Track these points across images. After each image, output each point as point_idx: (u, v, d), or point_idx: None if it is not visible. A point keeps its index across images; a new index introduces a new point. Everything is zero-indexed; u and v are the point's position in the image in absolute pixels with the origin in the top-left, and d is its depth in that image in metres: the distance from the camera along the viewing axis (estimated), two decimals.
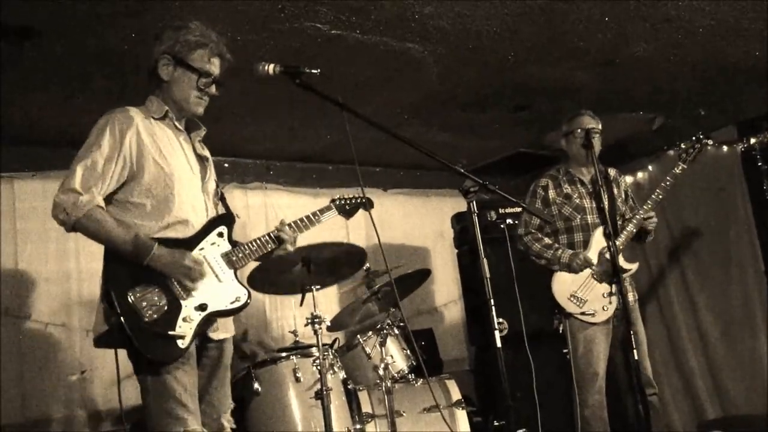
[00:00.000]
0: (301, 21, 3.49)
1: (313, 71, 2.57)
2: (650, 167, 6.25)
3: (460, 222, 5.88)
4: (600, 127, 4.10)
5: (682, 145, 4.12)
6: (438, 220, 6.42)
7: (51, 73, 3.79)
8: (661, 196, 3.97)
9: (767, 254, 5.49)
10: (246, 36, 3.58)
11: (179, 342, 2.47)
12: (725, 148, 5.70)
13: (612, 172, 4.24)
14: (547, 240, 4.07)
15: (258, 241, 2.81)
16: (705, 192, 5.79)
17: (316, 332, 3.70)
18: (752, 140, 5.52)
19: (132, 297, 2.44)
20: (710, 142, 4.09)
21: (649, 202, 3.98)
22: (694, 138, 4.07)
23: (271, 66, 2.59)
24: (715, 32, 4.07)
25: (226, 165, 5.48)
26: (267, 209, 5.65)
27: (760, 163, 5.49)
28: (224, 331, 2.78)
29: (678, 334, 5.98)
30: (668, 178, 3.98)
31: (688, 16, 3.85)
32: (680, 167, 4.00)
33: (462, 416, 4.17)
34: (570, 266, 3.94)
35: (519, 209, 4.79)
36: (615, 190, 4.16)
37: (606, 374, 3.95)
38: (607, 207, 3.95)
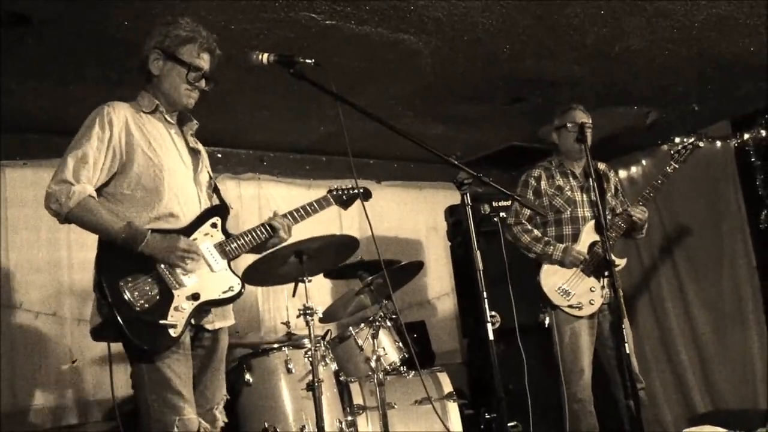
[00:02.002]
0: (296, 11, 3.47)
1: (308, 61, 2.57)
2: (644, 162, 6.26)
3: (453, 215, 5.87)
4: (591, 121, 4.10)
5: (676, 140, 4.13)
6: (431, 213, 6.41)
7: (43, 61, 3.76)
8: (652, 194, 3.99)
9: (759, 249, 5.51)
10: (240, 25, 3.55)
11: (171, 331, 2.49)
12: (719, 143, 5.71)
13: (602, 166, 4.25)
14: (536, 232, 4.08)
15: (252, 231, 2.82)
16: (698, 187, 5.80)
17: (308, 324, 3.69)
18: (746, 136, 5.53)
19: (124, 287, 2.46)
20: (702, 144, 4.09)
21: (639, 199, 4.00)
22: (687, 139, 4.08)
23: (265, 55, 2.58)
24: (710, 27, 4.07)
25: (219, 155, 5.45)
26: (260, 200, 5.63)
27: (753, 159, 5.50)
28: (221, 320, 2.80)
29: (669, 328, 6.00)
30: (660, 176, 4.00)
31: (683, 11, 3.85)
32: (672, 167, 4.01)
33: (453, 409, 4.18)
34: (562, 263, 3.96)
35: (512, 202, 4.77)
36: (605, 185, 4.17)
37: (594, 368, 3.97)
38: (598, 201, 3.95)
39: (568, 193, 4.08)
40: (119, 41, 3.55)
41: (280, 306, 5.40)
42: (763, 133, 5.43)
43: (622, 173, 6.37)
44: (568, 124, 4.07)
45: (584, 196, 4.09)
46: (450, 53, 4.16)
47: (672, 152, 4.08)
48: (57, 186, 2.51)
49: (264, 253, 3.20)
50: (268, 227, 2.85)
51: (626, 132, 5.92)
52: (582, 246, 3.99)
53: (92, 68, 3.89)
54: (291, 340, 4.22)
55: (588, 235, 4.00)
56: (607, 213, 4.08)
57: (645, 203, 3.99)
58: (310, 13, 3.51)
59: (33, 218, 4.58)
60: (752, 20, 4.01)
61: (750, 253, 5.55)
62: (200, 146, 2.94)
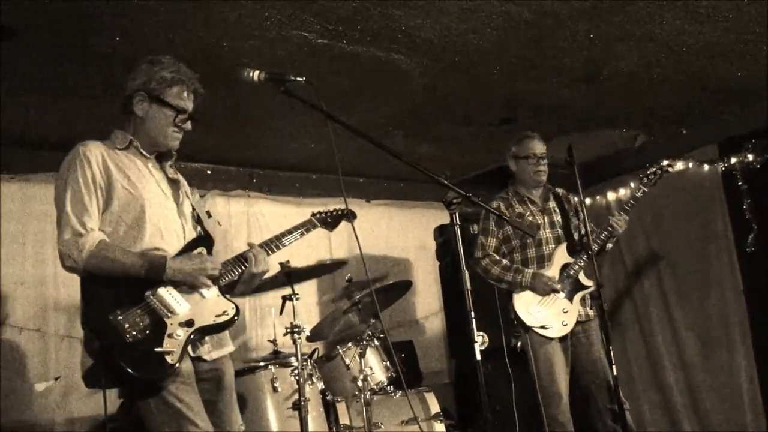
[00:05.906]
0: (288, 29, 3.49)
1: (299, 79, 2.57)
2: (632, 184, 6.29)
3: (442, 234, 5.88)
4: (545, 150, 4.15)
5: (663, 163, 4.18)
6: (420, 232, 6.41)
7: (30, 74, 3.73)
8: (625, 216, 4.03)
9: (746, 273, 5.53)
10: (232, 42, 3.56)
11: (168, 358, 2.42)
12: (706, 167, 5.75)
13: (560, 190, 4.28)
14: (504, 261, 4.04)
15: (240, 258, 2.78)
16: (686, 210, 5.83)
17: (295, 342, 3.68)
18: (733, 159, 5.57)
19: (113, 320, 2.39)
20: (671, 169, 4.18)
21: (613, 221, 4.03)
22: (656, 165, 4.14)
23: (257, 73, 2.58)
24: (698, 52, 4.12)
25: (209, 172, 5.43)
26: (249, 217, 5.60)
27: (740, 183, 5.54)
28: (218, 348, 2.73)
29: (657, 350, 6.00)
30: (630, 200, 4.08)
31: (671, 36, 3.89)
32: (641, 191, 4.09)
33: (440, 429, 4.16)
34: (534, 288, 3.93)
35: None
36: (566, 206, 4.20)
37: (576, 392, 3.95)
38: (583, 227, 3.96)
39: (530, 218, 4.08)
40: (106, 56, 3.55)
41: (267, 323, 5.37)
42: (750, 157, 5.47)
43: (611, 196, 6.41)
44: (529, 156, 4.10)
45: (545, 218, 4.11)
46: (441, 74, 4.18)
47: (641, 176, 4.14)
48: (66, 242, 2.47)
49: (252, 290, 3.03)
50: (241, 260, 2.78)
51: (614, 155, 5.96)
52: (555, 268, 3.98)
53: (79, 82, 3.87)
54: (278, 358, 4.19)
55: (560, 257, 4.00)
56: (573, 233, 4.11)
57: (622, 226, 4.02)
58: (302, 32, 3.52)
59: (20, 233, 4.53)
60: (740, 46, 4.07)
61: (737, 276, 5.56)
62: (180, 176, 2.88)
